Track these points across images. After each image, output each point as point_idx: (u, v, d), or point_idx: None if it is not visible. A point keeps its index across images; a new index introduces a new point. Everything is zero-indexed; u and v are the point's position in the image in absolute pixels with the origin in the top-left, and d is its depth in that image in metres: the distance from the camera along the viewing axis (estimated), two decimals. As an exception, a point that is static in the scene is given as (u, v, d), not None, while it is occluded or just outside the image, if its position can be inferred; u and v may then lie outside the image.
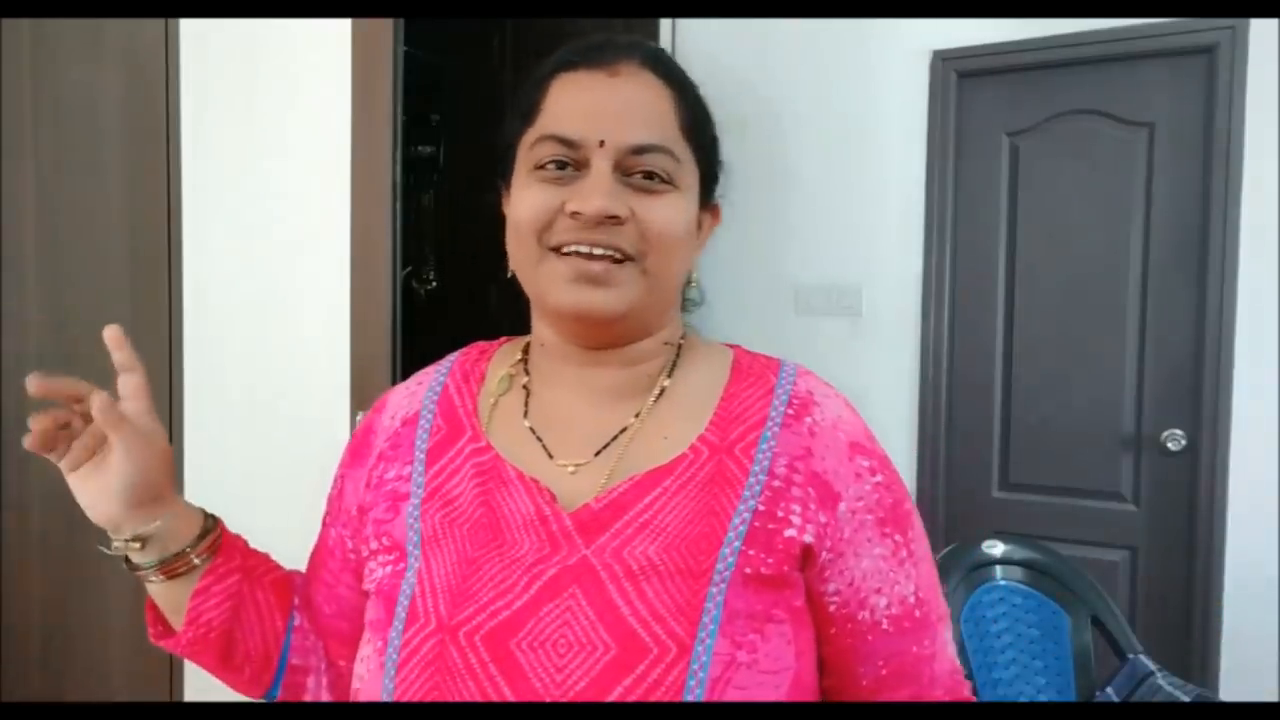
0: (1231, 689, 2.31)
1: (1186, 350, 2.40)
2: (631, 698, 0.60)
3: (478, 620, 0.64)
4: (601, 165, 0.67)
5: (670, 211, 0.69)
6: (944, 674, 0.72)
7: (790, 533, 0.66)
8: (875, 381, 2.69)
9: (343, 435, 1.56)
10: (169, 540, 0.70)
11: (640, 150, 0.68)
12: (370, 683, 0.67)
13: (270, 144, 1.73)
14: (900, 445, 2.65)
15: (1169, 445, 2.40)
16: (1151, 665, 1.45)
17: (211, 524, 0.74)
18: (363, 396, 1.60)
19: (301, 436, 1.68)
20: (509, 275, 0.74)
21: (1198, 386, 2.37)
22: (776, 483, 0.68)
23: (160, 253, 1.83)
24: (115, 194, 1.88)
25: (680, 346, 0.77)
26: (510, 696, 0.61)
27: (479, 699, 0.61)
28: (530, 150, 0.70)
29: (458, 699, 0.62)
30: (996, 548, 1.64)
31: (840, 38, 2.69)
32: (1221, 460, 2.33)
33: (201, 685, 1.74)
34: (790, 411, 0.71)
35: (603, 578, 0.64)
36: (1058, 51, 2.48)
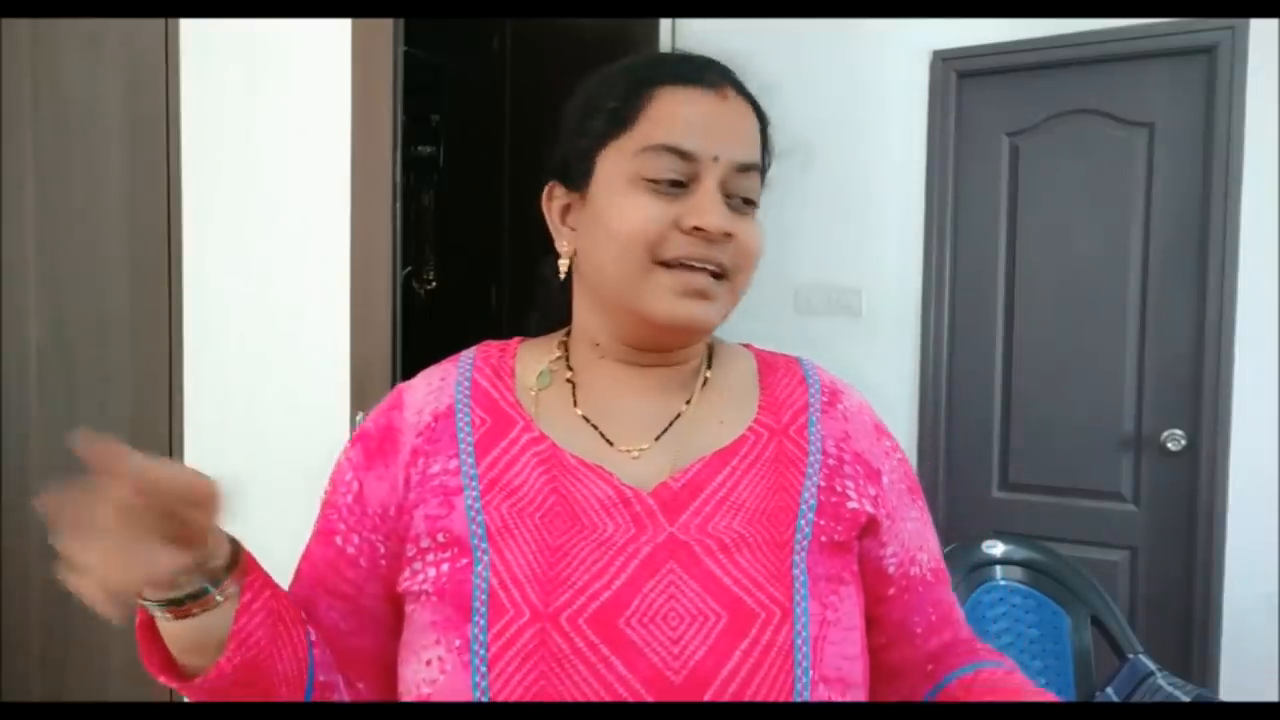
0: (1231, 689, 2.31)
1: (1186, 350, 2.40)
2: (749, 660, 0.63)
3: (579, 604, 0.64)
4: (711, 182, 0.69)
5: (757, 232, 0.73)
6: (961, 616, 0.83)
7: (852, 505, 0.73)
8: (875, 381, 2.67)
9: (343, 435, 1.56)
10: (213, 558, 0.61)
11: (745, 169, 0.71)
12: (451, 684, 0.64)
13: (270, 144, 1.73)
14: (900, 445, 2.66)
15: (1169, 445, 2.40)
16: (1151, 665, 1.45)
17: (233, 540, 0.65)
18: (363, 396, 1.60)
19: (301, 436, 1.67)
20: (565, 275, 0.76)
21: (1198, 386, 2.37)
22: (831, 461, 0.74)
23: (160, 253, 1.83)
24: (115, 194, 1.87)
25: (709, 343, 0.81)
26: (626, 674, 0.62)
27: (592, 681, 0.62)
28: (635, 158, 0.70)
29: (567, 684, 0.62)
30: (996, 548, 1.65)
31: (840, 38, 2.69)
32: (1221, 460, 2.33)
33: (201, 685, 1.73)
34: (825, 399, 0.78)
35: (697, 551, 0.67)
36: (1058, 51, 2.48)
